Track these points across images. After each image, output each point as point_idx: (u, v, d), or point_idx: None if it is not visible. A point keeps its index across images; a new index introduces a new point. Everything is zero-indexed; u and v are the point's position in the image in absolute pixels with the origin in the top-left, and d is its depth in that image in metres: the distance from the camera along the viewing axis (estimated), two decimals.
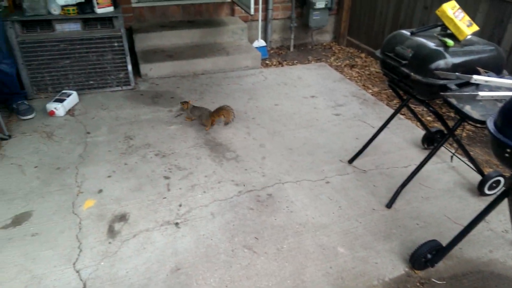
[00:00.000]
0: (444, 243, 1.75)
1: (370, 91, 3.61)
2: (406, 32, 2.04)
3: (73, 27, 3.11)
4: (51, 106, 2.98)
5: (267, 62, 4.25)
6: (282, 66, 4.17)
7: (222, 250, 1.88)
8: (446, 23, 1.95)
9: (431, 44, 1.88)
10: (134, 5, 4.01)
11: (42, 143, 2.68)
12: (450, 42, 1.85)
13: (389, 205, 2.18)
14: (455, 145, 2.77)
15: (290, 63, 4.25)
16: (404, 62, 1.92)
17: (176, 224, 2.04)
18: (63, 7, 3.03)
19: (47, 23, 3.04)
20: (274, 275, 1.77)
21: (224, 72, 3.89)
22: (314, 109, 3.23)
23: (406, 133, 2.90)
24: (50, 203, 2.15)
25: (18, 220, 2.03)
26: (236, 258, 1.85)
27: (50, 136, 2.75)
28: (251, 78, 3.79)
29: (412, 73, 1.88)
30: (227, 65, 3.91)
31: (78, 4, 3.06)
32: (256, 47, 4.24)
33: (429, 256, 1.77)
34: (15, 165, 2.45)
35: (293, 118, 3.09)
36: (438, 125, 2.99)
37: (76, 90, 3.26)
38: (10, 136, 2.72)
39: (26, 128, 2.84)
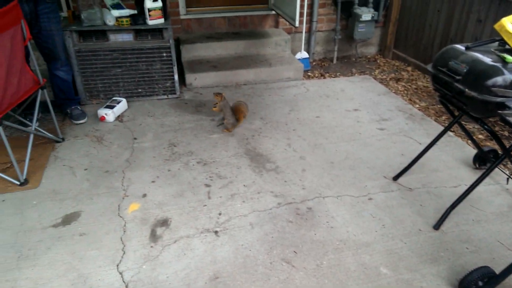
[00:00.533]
0: (497, 270, 1.64)
1: (417, 106, 3.49)
2: (460, 47, 1.96)
3: (125, 38, 3.26)
4: (102, 112, 3.13)
5: (309, 74, 4.23)
6: (325, 78, 4.14)
7: (260, 262, 1.87)
8: (505, 38, 1.84)
9: (488, 60, 1.79)
10: (182, 17, 4.15)
11: (92, 147, 2.81)
12: (509, 58, 1.75)
13: (436, 226, 2.07)
14: (510, 165, 2.60)
15: (332, 75, 4.20)
16: (458, 77, 1.84)
17: (216, 232, 2.05)
18: (117, 18, 3.19)
19: (102, 33, 3.21)
20: None
21: (266, 83, 3.91)
22: (357, 122, 3.17)
23: (456, 151, 2.76)
24: (97, 205, 2.24)
25: (68, 220, 2.13)
26: (274, 271, 1.82)
27: (100, 141, 2.89)
28: (293, 89, 3.79)
29: (466, 89, 1.79)
30: (269, 76, 3.94)
31: (131, 16, 3.21)
32: (299, 59, 4.24)
33: (480, 283, 1.66)
34: (67, 166, 2.58)
35: (335, 131, 3.04)
36: (490, 144, 2.83)
37: (125, 97, 3.41)
38: (63, 139, 2.88)
39: (78, 132, 3.00)
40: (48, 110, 2.81)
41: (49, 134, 2.81)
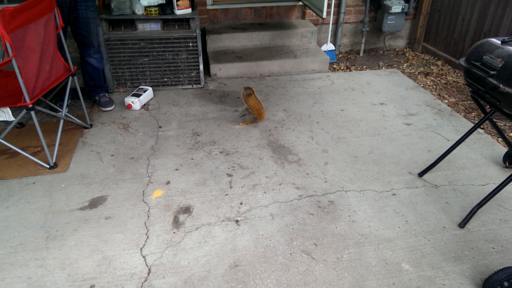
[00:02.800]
0: None
1: (446, 101, 3.39)
2: (496, 41, 1.88)
3: (153, 27, 3.30)
4: (129, 100, 3.19)
5: (335, 66, 4.17)
6: (350, 70, 4.07)
7: (280, 252, 1.88)
8: None
9: None
10: (209, 7, 4.16)
11: (119, 134, 2.87)
12: None
13: (462, 224, 2.02)
14: None
15: (359, 68, 4.13)
16: (492, 72, 1.77)
17: (237, 221, 2.07)
18: (146, 7, 3.23)
19: (130, 22, 3.26)
20: (332, 284, 1.72)
21: (290, 75, 3.89)
22: (382, 117, 3.11)
23: (485, 148, 2.67)
24: (123, 190, 2.29)
25: (94, 203, 2.20)
26: (294, 262, 1.83)
27: (126, 128, 2.95)
28: (318, 81, 3.74)
29: (501, 85, 1.72)
30: (293, 68, 3.90)
31: (159, 5, 3.25)
32: (325, 51, 4.18)
33: (506, 284, 1.61)
34: (94, 152, 2.66)
35: (359, 125, 2.99)
36: None
37: (151, 86, 3.47)
38: (91, 126, 2.96)
39: (105, 119, 3.07)
40: (77, 97, 2.89)
41: (78, 120, 2.89)
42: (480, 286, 1.70)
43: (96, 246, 1.92)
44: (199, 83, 3.60)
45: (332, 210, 2.15)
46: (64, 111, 2.72)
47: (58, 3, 2.52)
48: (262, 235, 1.98)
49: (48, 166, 2.47)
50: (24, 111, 2.28)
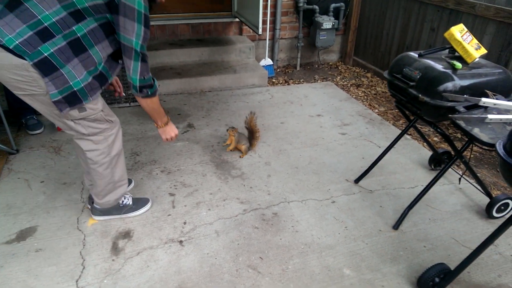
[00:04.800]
0: (452, 266, 1.71)
1: (376, 110, 3.61)
2: (413, 54, 2.05)
3: None
4: None
5: (274, 80, 4.29)
6: (289, 84, 4.20)
7: (226, 270, 1.86)
8: (455, 46, 1.96)
9: (439, 67, 1.89)
10: None
11: (49, 158, 2.69)
12: (458, 64, 1.86)
13: (396, 226, 2.15)
14: (462, 166, 2.74)
15: (296, 82, 4.28)
16: (412, 83, 1.93)
17: (180, 242, 2.02)
18: None
19: None
20: None
21: (231, 90, 3.92)
22: (320, 127, 3.23)
23: (412, 153, 2.88)
24: (55, 219, 2.14)
25: (23, 235, 2.03)
26: (240, 278, 1.82)
27: (58, 151, 2.77)
28: (258, 96, 3.82)
29: (420, 95, 1.88)
30: (234, 83, 3.95)
31: None
32: (263, 66, 4.29)
33: (436, 279, 1.73)
34: (22, 179, 2.46)
35: (299, 136, 3.09)
36: (445, 146, 2.98)
37: None
38: (18, 151, 2.74)
39: (34, 142, 2.87)
40: (1, 121, 2.67)
41: (2, 146, 2.67)
42: (415, 284, 1.81)
43: (25, 282, 1.76)
44: (136, 101, 3.49)
45: (276, 222, 2.18)
46: None
47: None
48: (208, 253, 1.95)
49: None
50: None
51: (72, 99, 1.62)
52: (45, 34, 1.49)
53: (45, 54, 1.49)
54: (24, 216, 2.15)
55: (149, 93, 1.77)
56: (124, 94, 1.99)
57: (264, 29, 4.14)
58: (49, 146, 2.84)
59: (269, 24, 4.36)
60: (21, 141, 2.88)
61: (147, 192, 2.38)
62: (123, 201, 2.14)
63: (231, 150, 2.81)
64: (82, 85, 1.62)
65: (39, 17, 1.48)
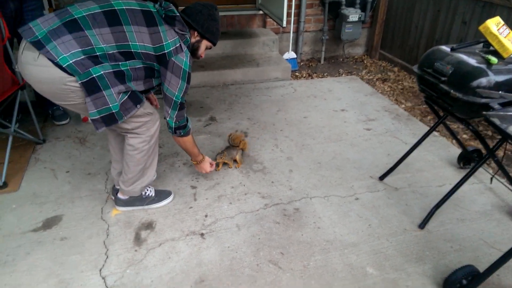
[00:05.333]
0: (481, 268, 1.66)
1: (403, 106, 3.52)
2: (446, 48, 1.98)
3: None
4: None
5: (297, 74, 4.24)
6: (312, 78, 4.15)
7: (246, 264, 1.86)
8: (490, 40, 1.87)
9: (472, 61, 1.81)
10: None
11: (74, 149, 2.75)
12: (493, 59, 1.77)
13: (422, 225, 2.09)
14: (493, 165, 2.64)
15: (320, 76, 4.22)
16: (443, 78, 1.86)
17: (202, 234, 2.03)
18: None
19: None
20: None
21: (253, 83, 3.90)
22: (344, 123, 3.18)
23: (441, 151, 2.79)
24: (79, 208, 2.19)
25: (49, 224, 2.08)
26: (261, 273, 1.82)
27: (83, 142, 2.84)
28: (281, 89, 3.79)
29: (451, 91, 1.81)
30: (256, 76, 3.93)
31: None
32: (287, 59, 4.25)
33: (464, 282, 1.68)
34: (48, 169, 2.53)
35: (322, 131, 3.05)
36: (475, 144, 2.88)
37: None
38: (44, 141, 2.82)
39: (60, 133, 2.94)
40: (28, 111, 2.75)
41: (30, 136, 2.75)
42: (441, 286, 1.76)
43: (51, 269, 1.81)
44: (160, 93, 3.52)
45: (298, 217, 2.16)
46: (14, 126, 2.57)
47: (2, 13, 2.39)
48: (228, 247, 1.96)
49: None
50: None
51: (109, 120, 1.74)
52: (96, 60, 1.61)
53: (94, 76, 1.61)
54: (50, 205, 2.22)
55: (182, 133, 1.99)
56: (158, 106, 2.16)
57: (288, 22, 4.08)
58: (75, 136, 2.90)
59: (294, 16, 4.30)
60: (48, 132, 2.96)
61: (169, 184, 2.40)
62: (146, 193, 2.17)
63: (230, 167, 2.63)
64: (119, 108, 1.74)
65: (94, 46, 1.60)
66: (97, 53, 1.60)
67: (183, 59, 1.77)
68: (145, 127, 1.92)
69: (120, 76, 1.69)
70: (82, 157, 2.65)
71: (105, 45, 1.61)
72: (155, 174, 2.27)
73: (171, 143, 2.84)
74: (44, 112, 3.13)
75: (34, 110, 2.77)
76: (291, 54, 4.35)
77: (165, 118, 1.95)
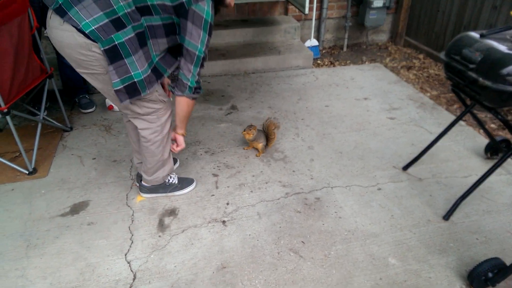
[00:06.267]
0: (508, 261, 1.62)
1: (429, 94, 3.43)
2: (475, 34, 1.90)
3: None
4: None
5: (319, 62, 4.18)
6: (334, 66, 4.09)
7: (267, 252, 1.87)
8: None
9: (503, 48, 1.73)
10: None
11: (100, 136, 2.82)
12: None
13: (446, 217, 2.05)
14: None
15: (342, 63, 4.15)
16: (471, 66, 1.79)
17: (223, 222, 2.06)
18: None
19: None
20: (320, 281, 1.73)
21: (274, 72, 3.88)
22: (366, 111, 3.13)
23: (467, 140, 2.71)
24: (105, 194, 2.26)
25: (76, 209, 2.15)
26: (282, 261, 1.83)
27: (108, 130, 2.90)
28: (302, 78, 3.75)
29: (480, 78, 1.74)
30: (278, 64, 3.90)
31: None
32: (308, 47, 4.19)
33: (490, 274, 1.64)
34: (75, 156, 2.60)
35: (344, 120, 3.01)
36: (503, 134, 2.78)
37: None
38: (71, 128, 2.90)
39: (86, 121, 3.01)
40: (56, 99, 2.82)
41: (57, 123, 2.83)
42: (465, 278, 1.73)
43: (78, 253, 1.88)
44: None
45: (319, 207, 2.15)
46: (42, 114, 2.65)
47: (31, 3, 2.45)
48: (250, 235, 1.98)
49: (27, 172, 2.41)
50: (0, 115, 2.21)
51: (132, 90, 1.70)
52: (118, 23, 1.56)
53: (116, 43, 1.57)
54: (77, 191, 2.29)
55: (199, 93, 1.86)
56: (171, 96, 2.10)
57: (310, 8, 4.01)
58: (100, 124, 2.97)
59: (316, 3, 4.22)
60: (74, 119, 3.03)
61: (191, 172, 2.43)
62: (169, 180, 2.20)
63: (246, 149, 2.67)
64: (143, 77, 1.69)
65: (114, 7, 1.55)
66: (119, 14, 1.55)
67: (205, 7, 1.63)
68: (156, 115, 1.89)
69: (141, 39, 1.63)
70: (107, 145, 2.72)
71: (123, 2, 1.56)
72: (178, 161, 2.31)
73: (193, 131, 2.87)
74: (71, 101, 3.21)
75: (61, 98, 2.84)
76: (313, 42, 4.29)
77: (184, 79, 1.77)
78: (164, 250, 1.89)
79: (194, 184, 2.29)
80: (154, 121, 1.91)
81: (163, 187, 2.20)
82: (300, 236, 1.96)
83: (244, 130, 2.53)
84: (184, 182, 2.26)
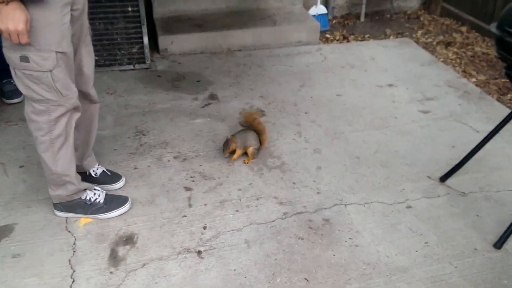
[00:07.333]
0: None
1: (474, 79, 3.49)
2: None
3: None
4: None
5: (328, 35, 4.23)
6: (349, 41, 4.14)
7: None
8: None
9: None
10: None
11: (30, 136, 2.77)
12: None
13: (498, 244, 2.07)
14: None
15: (359, 38, 4.20)
16: None
17: (199, 252, 2.04)
18: None
19: None
20: None
21: (268, 49, 3.90)
22: (392, 103, 3.16)
23: None
24: (37, 215, 2.22)
25: None
26: None
27: None
28: (305, 57, 3.77)
29: None
30: (273, 39, 3.93)
31: None
32: (314, 15, 4.21)
33: None
34: None
35: (362, 114, 3.03)
36: None
37: None
38: None
39: (12, 115, 2.98)
40: None
41: None
42: None
43: None
44: (144, 62, 3.56)
45: (328, 231, 2.15)
46: None
47: None
48: (235, 270, 1.97)
49: None
50: None
51: None
52: None
53: None
54: None
55: None
56: None
57: None
58: None
59: None
60: None
61: (155, 185, 2.42)
62: (90, 198, 2.19)
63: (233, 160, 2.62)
64: None
65: None
66: None
67: None
68: (44, 106, 1.87)
69: None
70: None
71: None
72: (122, 179, 2.30)
73: (158, 128, 2.86)
74: None
75: None
76: (320, 9, 4.31)
77: None
78: None
79: (128, 205, 2.26)
80: (41, 114, 1.91)
81: (82, 206, 2.19)
82: (303, 271, 1.96)
83: (224, 150, 2.52)
84: (113, 202, 2.25)
